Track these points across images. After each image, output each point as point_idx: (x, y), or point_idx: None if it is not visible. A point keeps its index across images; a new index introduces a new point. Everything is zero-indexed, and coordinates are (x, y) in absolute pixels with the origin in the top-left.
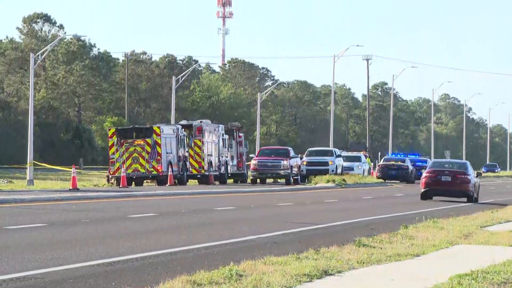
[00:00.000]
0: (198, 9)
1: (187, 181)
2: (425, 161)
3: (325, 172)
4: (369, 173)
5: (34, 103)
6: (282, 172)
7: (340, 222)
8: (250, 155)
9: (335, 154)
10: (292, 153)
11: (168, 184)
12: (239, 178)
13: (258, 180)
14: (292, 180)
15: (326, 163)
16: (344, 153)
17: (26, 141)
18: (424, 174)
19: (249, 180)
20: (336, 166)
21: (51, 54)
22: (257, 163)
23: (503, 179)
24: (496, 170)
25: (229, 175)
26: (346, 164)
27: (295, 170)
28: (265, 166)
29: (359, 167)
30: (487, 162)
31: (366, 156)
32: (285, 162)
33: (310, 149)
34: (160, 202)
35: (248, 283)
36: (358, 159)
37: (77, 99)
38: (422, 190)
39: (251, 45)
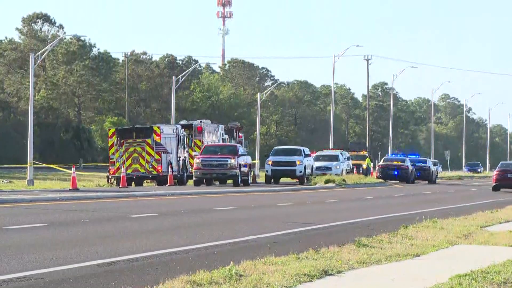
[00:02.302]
0: (198, 9)
1: (187, 181)
2: (425, 161)
3: (292, 173)
4: (347, 172)
5: (34, 103)
6: (229, 171)
7: (340, 222)
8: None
9: (304, 153)
10: (241, 151)
11: (168, 184)
12: None
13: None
14: (241, 180)
15: (293, 163)
16: (320, 153)
17: (26, 141)
18: (494, 172)
19: (190, 183)
20: (305, 166)
21: (51, 54)
22: (200, 161)
23: None
24: (478, 170)
25: None
26: (323, 164)
27: (245, 169)
28: (209, 165)
29: (337, 167)
30: (469, 161)
31: (366, 156)
32: (232, 160)
33: (276, 147)
34: (160, 202)
35: (248, 283)
36: (336, 158)
37: (77, 99)
38: (493, 184)
39: (251, 45)
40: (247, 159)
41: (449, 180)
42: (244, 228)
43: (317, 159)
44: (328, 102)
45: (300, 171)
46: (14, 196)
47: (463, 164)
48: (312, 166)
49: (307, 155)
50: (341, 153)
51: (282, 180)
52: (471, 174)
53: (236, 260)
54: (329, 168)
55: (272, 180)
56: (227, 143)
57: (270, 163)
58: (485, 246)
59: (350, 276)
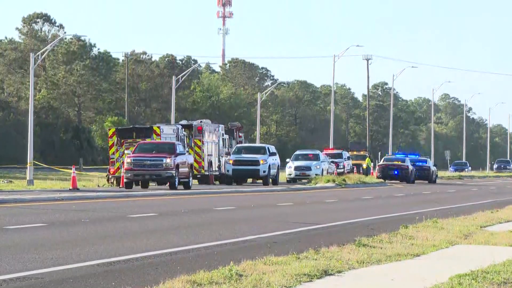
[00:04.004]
0: (198, 9)
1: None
2: (425, 161)
3: (255, 173)
4: (327, 172)
5: (34, 103)
6: (164, 173)
7: (340, 222)
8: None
9: (269, 151)
10: (180, 149)
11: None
12: None
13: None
14: (177, 183)
15: (256, 162)
16: (300, 152)
17: (26, 141)
18: None
19: (121, 185)
20: (269, 166)
21: (51, 54)
22: (132, 161)
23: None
24: (466, 170)
25: None
26: (302, 163)
27: (184, 170)
28: (142, 166)
29: (317, 167)
30: (456, 161)
31: (366, 156)
32: (168, 160)
33: (238, 145)
34: (160, 202)
35: (248, 283)
36: (316, 157)
37: (77, 99)
38: None
39: (251, 45)
40: (188, 159)
41: (449, 180)
42: (244, 228)
43: (296, 158)
44: (328, 102)
45: (264, 171)
46: (14, 196)
47: (448, 165)
48: (278, 166)
49: (272, 154)
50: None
51: (281, 180)
52: (457, 174)
53: (236, 260)
54: (308, 168)
55: (235, 181)
56: (164, 141)
57: (231, 162)
58: (485, 246)
59: (350, 276)
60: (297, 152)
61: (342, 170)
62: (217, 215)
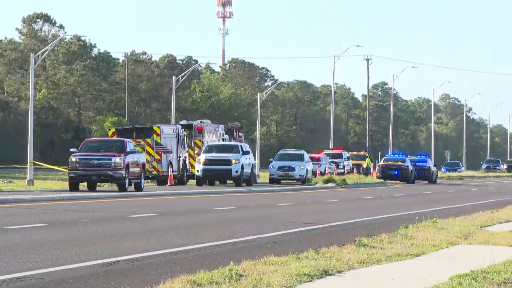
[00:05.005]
0: (198, 9)
1: (187, 181)
2: (425, 161)
3: (227, 173)
4: (313, 173)
5: (34, 103)
6: (113, 173)
7: (340, 222)
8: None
9: (242, 150)
10: (130, 147)
11: (168, 184)
12: None
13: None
14: (127, 184)
15: (228, 162)
16: (283, 151)
17: (26, 141)
18: None
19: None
20: (242, 165)
21: (51, 54)
22: (77, 160)
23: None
24: (458, 170)
25: None
26: (286, 163)
27: (135, 170)
28: (88, 165)
29: (301, 167)
30: (448, 161)
31: (366, 156)
32: (117, 159)
33: (209, 143)
34: (160, 202)
35: (248, 283)
36: (300, 157)
37: (77, 99)
38: None
39: (251, 45)
40: (139, 158)
41: (449, 180)
42: (244, 228)
43: (279, 158)
44: (328, 102)
45: (237, 171)
46: (14, 196)
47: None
48: (252, 165)
49: (246, 153)
50: (342, 153)
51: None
52: (447, 174)
53: (236, 260)
54: (292, 169)
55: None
56: (112, 138)
57: (201, 162)
58: (485, 246)
59: (350, 276)
60: (281, 152)
61: (342, 170)
62: (217, 215)
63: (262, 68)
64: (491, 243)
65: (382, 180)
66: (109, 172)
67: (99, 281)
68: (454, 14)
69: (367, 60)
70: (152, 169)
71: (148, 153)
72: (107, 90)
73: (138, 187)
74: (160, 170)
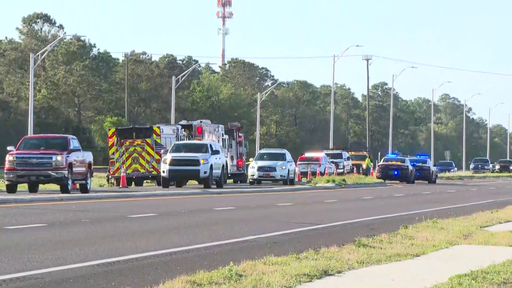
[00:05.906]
0: (198, 9)
1: (187, 181)
2: (425, 161)
3: (194, 174)
4: (294, 174)
5: (34, 103)
6: (54, 173)
7: (340, 222)
8: (250, 159)
9: (211, 149)
10: (74, 144)
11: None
12: (239, 178)
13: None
14: (70, 185)
15: (196, 162)
16: (265, 150)
17: None
18: None
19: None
20: (211, 166)
21: (51, 54)
22: (14, 159)
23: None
24: (452, 170)
25: (229, 175)
26: (267, 163)
27: (80, 170)
28: (27, 164)
29: (283, 167)
30: (441, 161)
31: (366, 156)
32: (59, 157)
33: (177, 142)
34: (160, 202)
35: (248, 283)
36: (282, 157)
37: (77, 99)
38: None
39: (251, 45)
40: (86, 156)
41: (449, 180)
42: (244, 228)
43: (260, 157)
44: (328, 102)
45: (205, 172)
46: (14, 196)
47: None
48: (222, 166)
49: (215, 152)
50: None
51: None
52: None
53: (236, 260)
54: (273, 169)
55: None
56: (54, 135)
57: (167, 161)
58: (485, 246)
59: (350, 276)
60: (262, 151)
61: (342, 170)
62: (217, 215)
63: (262, 68)
64: (491, 243)
65: (382, 180)
66: (49, 172)
67: (99, 281)
68: (454, 14)
69: (367, 60)
70: (152, 169)
71: (148, 153)
72: (107, 90)
73: (84, 188)
74: (160, 170)
